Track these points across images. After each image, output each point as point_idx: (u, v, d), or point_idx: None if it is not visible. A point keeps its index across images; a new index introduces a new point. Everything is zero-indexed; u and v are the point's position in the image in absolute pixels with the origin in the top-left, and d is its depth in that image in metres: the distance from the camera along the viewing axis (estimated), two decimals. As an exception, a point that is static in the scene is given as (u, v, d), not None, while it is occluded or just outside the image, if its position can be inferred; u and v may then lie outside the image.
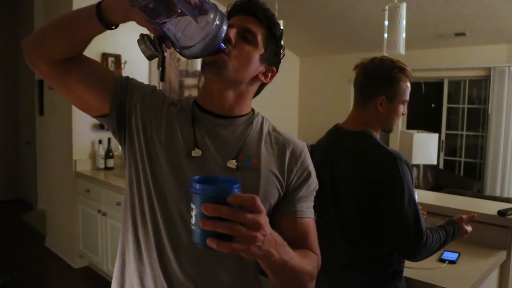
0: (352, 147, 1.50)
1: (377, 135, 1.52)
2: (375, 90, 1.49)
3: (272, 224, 0.96)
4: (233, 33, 0.93)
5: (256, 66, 0.98)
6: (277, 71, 1.05)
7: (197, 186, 0.67)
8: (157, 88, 1.05)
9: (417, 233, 1.37)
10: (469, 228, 1.58)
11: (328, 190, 1.51)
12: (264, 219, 0.70)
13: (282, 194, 0.98)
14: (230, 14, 1.01)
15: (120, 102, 0.97)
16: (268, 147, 1.00)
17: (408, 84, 1.50)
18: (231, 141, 0.98)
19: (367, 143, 1.48)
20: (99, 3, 0.84)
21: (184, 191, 0.90)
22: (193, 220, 0.67)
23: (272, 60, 1.02)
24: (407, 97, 1.52)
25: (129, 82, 1.00)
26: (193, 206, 0.67)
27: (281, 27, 1.03)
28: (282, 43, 1.04)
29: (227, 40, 0.91)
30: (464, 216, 1.57)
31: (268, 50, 0.99)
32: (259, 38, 0.97)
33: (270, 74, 1.03)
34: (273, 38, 1.00)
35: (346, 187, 1.48)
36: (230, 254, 0.68)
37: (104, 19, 0.83)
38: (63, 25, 0.89)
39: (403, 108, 1.53)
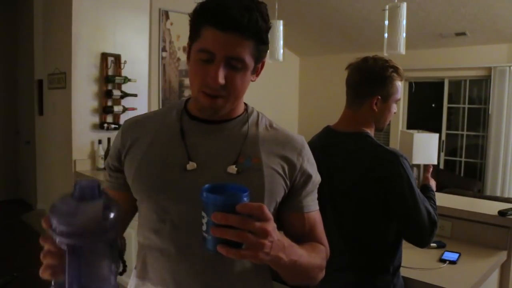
0: (350, 149, 1.49)
1: (372, 135, 1.52)
2: (370, 89, 1.49)
3: (280, 220, 0.98)
4: (220, 75, 0.85)
5: (248, 81, 0.93)
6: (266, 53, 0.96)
7: (207, 195, 0.71)
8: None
9: (431, 222, 1.41)
10: (433, 182, 1.71)
11: (325, 193, 1.49)
12: (271, 227, 0.73)
13: (287, 190, 0.97)
14: (205, 22, 0.85)
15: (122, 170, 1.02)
16: (266, 145, 0.96)
17: (401, 83, 1.52)
18: (227, 145, 0.94)
19: (366, 144, 1.48)
20: None
21: (186, 204, 0.90)
22: (204, 227, 0.72)
23: (262, 58, 0.93)
24: (399, 95, 1.54)
25: (110, 159, 1.03)
26: (204, 214, 0.71)
27: (267, 12, 0.88)
28: (269, 24, 0.90)
29: (218, 84, 0.85)
30: (427, 175, 1.70)
31: (257, 57, 0.90)
32: (247, 58, 0.87)
33: (260, 69, 0.96)
34: (262, 43, 0.89)
35: (345, 190, 1.47)
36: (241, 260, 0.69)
37: None
38: None
39: (395, 107, 1.55)
